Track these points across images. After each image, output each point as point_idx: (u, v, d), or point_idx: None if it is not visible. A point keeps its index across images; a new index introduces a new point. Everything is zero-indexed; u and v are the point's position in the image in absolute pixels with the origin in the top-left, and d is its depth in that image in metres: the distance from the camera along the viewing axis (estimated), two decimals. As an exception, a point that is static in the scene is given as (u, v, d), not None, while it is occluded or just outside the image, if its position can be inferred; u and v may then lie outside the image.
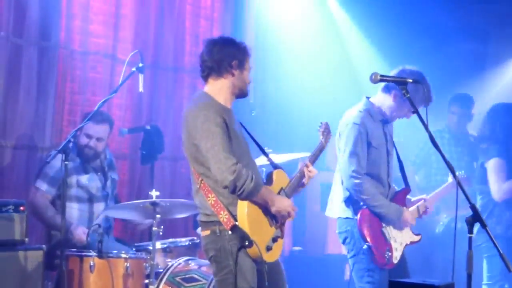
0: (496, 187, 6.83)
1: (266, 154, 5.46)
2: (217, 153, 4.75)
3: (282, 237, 5.11)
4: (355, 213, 5.93)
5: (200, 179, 4.91)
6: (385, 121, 6.10)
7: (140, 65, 6.24)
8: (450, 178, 6.66)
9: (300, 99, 9.32)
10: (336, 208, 6.14)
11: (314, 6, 9.54)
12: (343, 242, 6.11)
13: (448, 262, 7.40)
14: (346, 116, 6.09)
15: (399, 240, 6.01)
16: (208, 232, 4.93)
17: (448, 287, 4.76)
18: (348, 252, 6.09)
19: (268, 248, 4.95)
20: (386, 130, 6.13)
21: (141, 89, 6.40)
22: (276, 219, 5.05)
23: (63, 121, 7.20)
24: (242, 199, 4.82)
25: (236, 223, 4.78)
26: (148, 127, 6.88)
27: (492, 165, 6.84)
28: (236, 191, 4.77)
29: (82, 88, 7.37)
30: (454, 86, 8.69)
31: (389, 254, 5.91)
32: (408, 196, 6.20)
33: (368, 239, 5.86)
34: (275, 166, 5.32)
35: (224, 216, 4.80)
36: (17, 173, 6.86)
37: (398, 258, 5.97)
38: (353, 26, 9.69)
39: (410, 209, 6.16)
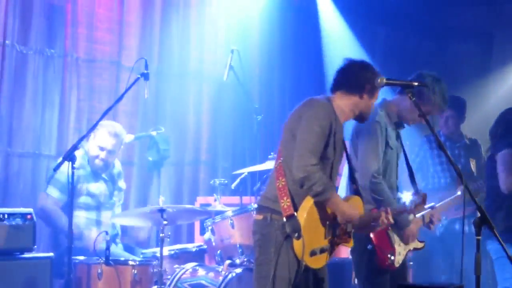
0: (503, 178, 6.74)
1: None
2: (304, 148, 4.81)
3: (330, 253, 5.08)
4: None
5: (281, 159, 4.95)
6: (399, 124, 6.09)
7: (145, 71, 6.24)
8: (459, 191, 6.67)
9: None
10: None
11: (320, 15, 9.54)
12: None
13: (448, 265, 7.42)
14: None
15: (403, 245, 5.99)
16: (260, 217, 4.96)
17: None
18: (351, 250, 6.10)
19: (313, 253, 4.93)
20: (398, 132, 6.13)
21: (146, 96, 6.40)
22: (334, 233, 5.05)
23: (68, 129, 7.21)
24: (312, 197, 4.85)
25: (295, 213, 4.80)
26: (154, 134, 6.88)
27: (502, 156, 6.78)
28: (303, 188, 4.82)
29: (88, 95, 7.39)
30: (458, 88, 8.67)
31: (392, 258, 5.89)
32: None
33: (373, 240, 5.85)
34: (356, 192, 5.33)
35: (285, 202, 4.80)
36: (23, 181, 6.89)
37: (400, 262, 5.95)
38: (349, 31, 9.62)
39: (416, 217, 6.13)
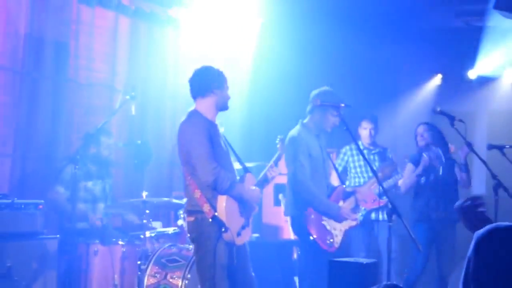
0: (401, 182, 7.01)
1: (240, 161, 5.49)
2: (202, 159, 4.83)
3: (248, 225, 5.15)
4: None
5: (189, 177, 4.94)
6: (319, 134, 6.18)
7: (133, 94, 6.27)
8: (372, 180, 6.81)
9: (263, 117, 9.35)
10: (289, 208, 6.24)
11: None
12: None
13: (365, 245, 7.49)
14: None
15: (339, 227, 6.05)
16: (192, 218, 4.96)
17: (373, 264, 4.82)
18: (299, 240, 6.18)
19: (238, 234, 4.98)
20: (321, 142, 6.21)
21: (133, 113, 6.41)
22: (245, 211, 5.09)
23: (72, 138, 7.15)
24: (221, 194, 4.88)
25: (216, 213, 4.83)
26: (139, 142, 6.87)
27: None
28: (216, 189, 4.85)
29: (87, 112, 7.34)
30: (374, 108, 8.72)
31: (331, 240, 5.95)
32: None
33: (312, 233, 5.91)
34: (246, 170, 5.34)
35: (206, 208, 4.85)
36: (37, 178, 6.81)
37: (339, 242, 6.01)
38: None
39: (346, 202, 6.20)
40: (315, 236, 5.90)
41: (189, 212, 5.01)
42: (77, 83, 7.23)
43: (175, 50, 8.43)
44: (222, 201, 4.88)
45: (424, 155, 6.84)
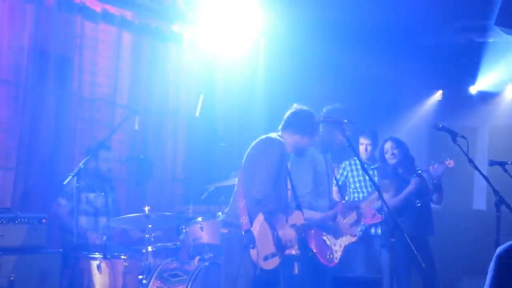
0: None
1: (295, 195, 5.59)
2: (265, 176, 5.01)
3: (279, 257, 5.19)
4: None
5: (240, 185, 5.11)
6: (325, 150, 6.21)
7: (136, 109, 6.27)
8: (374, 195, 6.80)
9: (261, 131, 9.35)
10: None
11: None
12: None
13: (368, 258, 7.47)
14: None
15: (339, 243, 6.06)
16: (226, 230, 5.11)
17: (377, 280, 4.83)
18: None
19: (266, 258, 5.03)
20: (326, 158, 6.22)
21: (136, 127, 6.44)
22: (280, 243, 5.15)
23: (75, 152, 7.18)
24: (263, 214, 5.01)
25: (251, 228, 4.92)
26: (141, 157, 6.90)
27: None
28: (258, 206, 4.98)
29: (90, 126, 7.37)
30: (375, 123, 8.75)
31: (331, 256, 5.96)
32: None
33: (312, 247, 5.92)
34: (298, 207, 5.45)
35: (244, 219, 4.95)
36: (39, 192, 6.82)
37: (339, 258, 6.01)
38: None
39: (347, 218, 6.21)
40: (315, 251, 5.91)
41: (225, 224, 5.16)
42: (80, 97, 7.27)
43: (178, 66, 8.47)
44: (260, 220, 4.99)
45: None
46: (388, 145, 7.05)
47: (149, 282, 5.98)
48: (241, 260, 4.92)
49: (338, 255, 6.00)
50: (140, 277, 6.01)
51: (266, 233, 5.02)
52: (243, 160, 5.24)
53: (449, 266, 8.50)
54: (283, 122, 5.40)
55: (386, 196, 6.86)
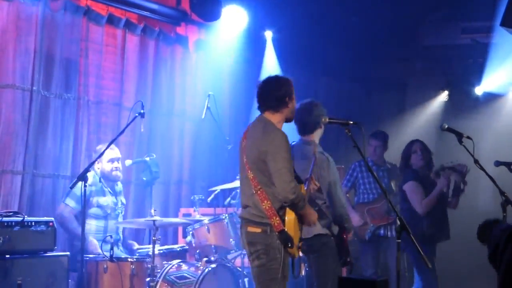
0: (417, 204, 6.75)
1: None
2: (284, 176, 4.69)
3: (302, 239, 5.08)
4: None
5: (259, 186, 4.77)
6: None
7: (142, 111, 6.26)
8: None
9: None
10: None
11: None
12: None
13: (374, 261, 7.47)
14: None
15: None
16: (259, 229, 4.79)
17: (383, 282, 4.82)
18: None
19: (298, 247, 4.93)
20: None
21: (142, 130, 6.45)
22: (301, 226, 5.02)
23: (81, 155, 7.20)
24: (291, 209, 4.79)
25: (285, 228, 4.74)
26: (147, 159, 6.91)
27: (408, 187, 6.86)
28: (293, 206, 4.75)
29: (96, 129, 7.40)
30: (382, 125, 8.77)
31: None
32: None
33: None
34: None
35: (275, 221, 4.71)
36: (46, 195, 6.86)
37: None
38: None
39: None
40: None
41: (255, 223, 4.81)
42: (86, 101, 7.30)
43: (183, 68, 8.49)
44: (292, 217, 4.79)
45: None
46: (417, 146, 6.98)
47: (156, 284, 5.99)
48: (283, 259, 4.77)
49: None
50: (147, 279, 6.03)
51: (296, 225, 4.84)
52: (246, 148, 4.94)
53: (455, 267, 8.50)
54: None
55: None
